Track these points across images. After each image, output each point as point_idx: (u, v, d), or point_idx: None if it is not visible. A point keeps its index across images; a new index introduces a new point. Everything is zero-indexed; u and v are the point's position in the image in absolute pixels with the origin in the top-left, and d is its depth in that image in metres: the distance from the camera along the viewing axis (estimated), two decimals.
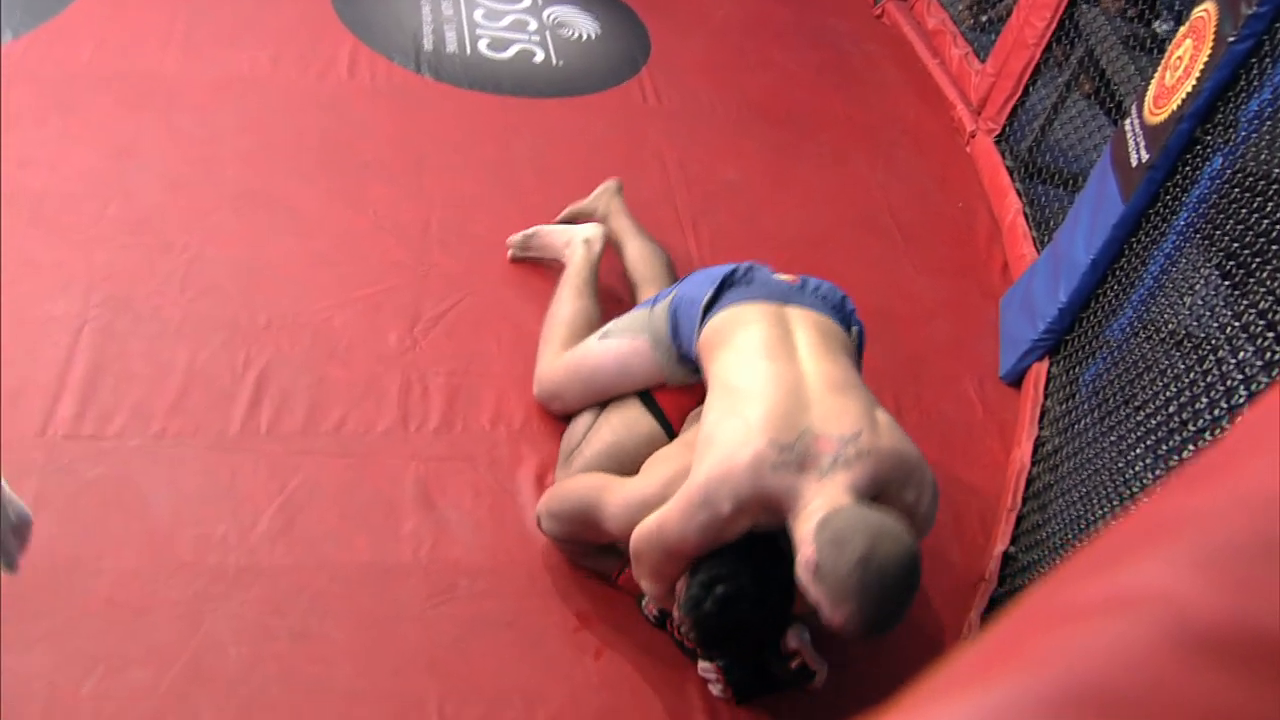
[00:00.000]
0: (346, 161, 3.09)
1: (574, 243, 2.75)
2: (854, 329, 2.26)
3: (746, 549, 1.83)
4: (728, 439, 1.83)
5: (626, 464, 2.18)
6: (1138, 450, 1.72)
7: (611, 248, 2.81)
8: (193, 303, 2.57)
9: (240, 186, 2.93)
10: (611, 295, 2.74)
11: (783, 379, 1.91)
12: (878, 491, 1.80)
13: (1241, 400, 1.27)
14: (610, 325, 2.42)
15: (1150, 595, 0.32)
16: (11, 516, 1.41)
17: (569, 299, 2.60)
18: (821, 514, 1.72)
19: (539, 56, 3.76)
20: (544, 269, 2.84)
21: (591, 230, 2.78)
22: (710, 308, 2.17)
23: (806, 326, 2.09)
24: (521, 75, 3.64)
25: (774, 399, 1.86)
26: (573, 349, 2.46)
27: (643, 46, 3.97)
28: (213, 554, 2.15)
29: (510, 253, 2.88)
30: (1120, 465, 1.77)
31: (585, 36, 3.93)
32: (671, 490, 1.89)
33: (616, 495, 2.03)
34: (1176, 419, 1.58)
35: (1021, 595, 1.85)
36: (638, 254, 2.78)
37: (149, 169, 2.91)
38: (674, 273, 2.76)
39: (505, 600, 2.18)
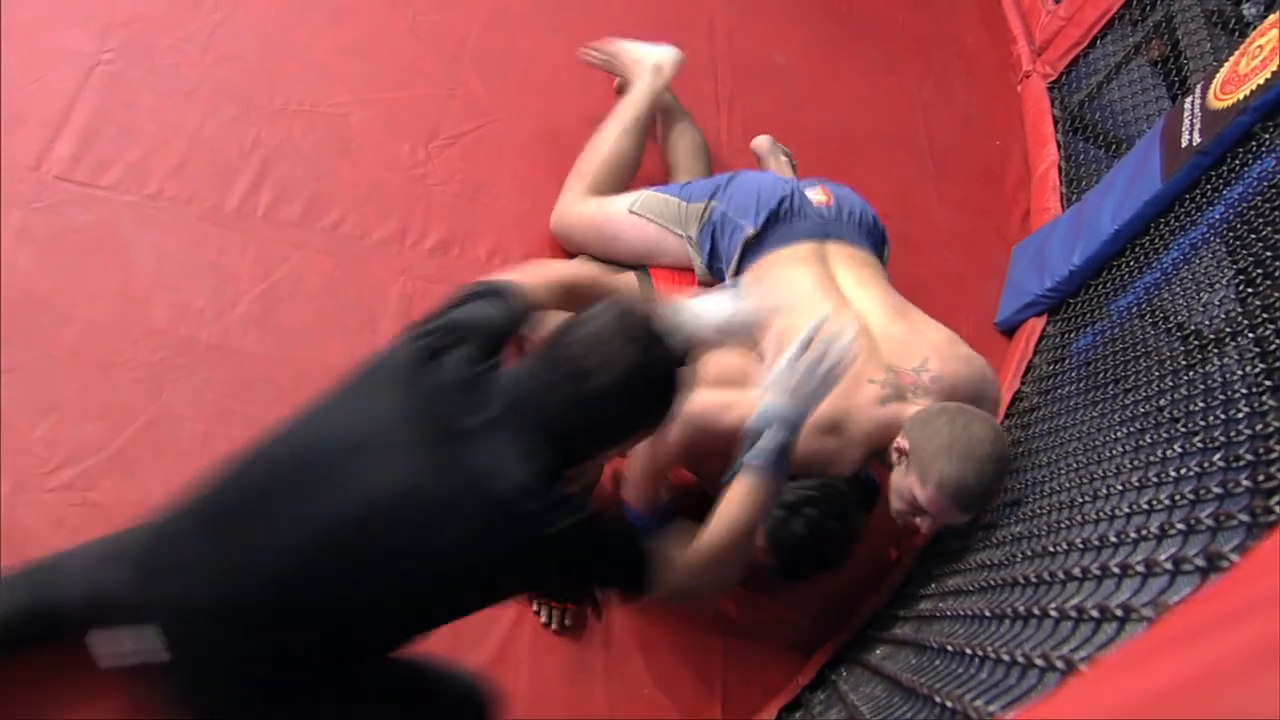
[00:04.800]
0: None
1: (643, 64, 2.64)
2: (885, 249, 2.30)
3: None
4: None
5: None
6: (1117, 432, 1.72)
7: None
8: (212, 67, 2.49)
9: None
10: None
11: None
12: None
13: (1240, 414, 1.26)
14: (641, 199, 2.38)
15: None
16: None
17: (614, 136, 2.52)
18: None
19: None
20: (576, 109, 2.75)
21: (665, 54, 2.66)
22: (753, 243, 2.21)
23: (846, 264, 2.17)
24: None
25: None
26: (601, 201, 2.42)
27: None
28: (185, 326, 2.14)
29: (587, 55, 2.74)
30: (1095, 443, 1.78)
31: None
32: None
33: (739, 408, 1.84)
34: (1166, 412, 1.58)
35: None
36: (679, 133, 2.70)
37: None
38: (709, 161, 2.70)
39: None
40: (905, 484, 1.87)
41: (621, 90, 2.67)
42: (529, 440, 1.34)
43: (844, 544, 2.00)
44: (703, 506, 1.70)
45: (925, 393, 1.94)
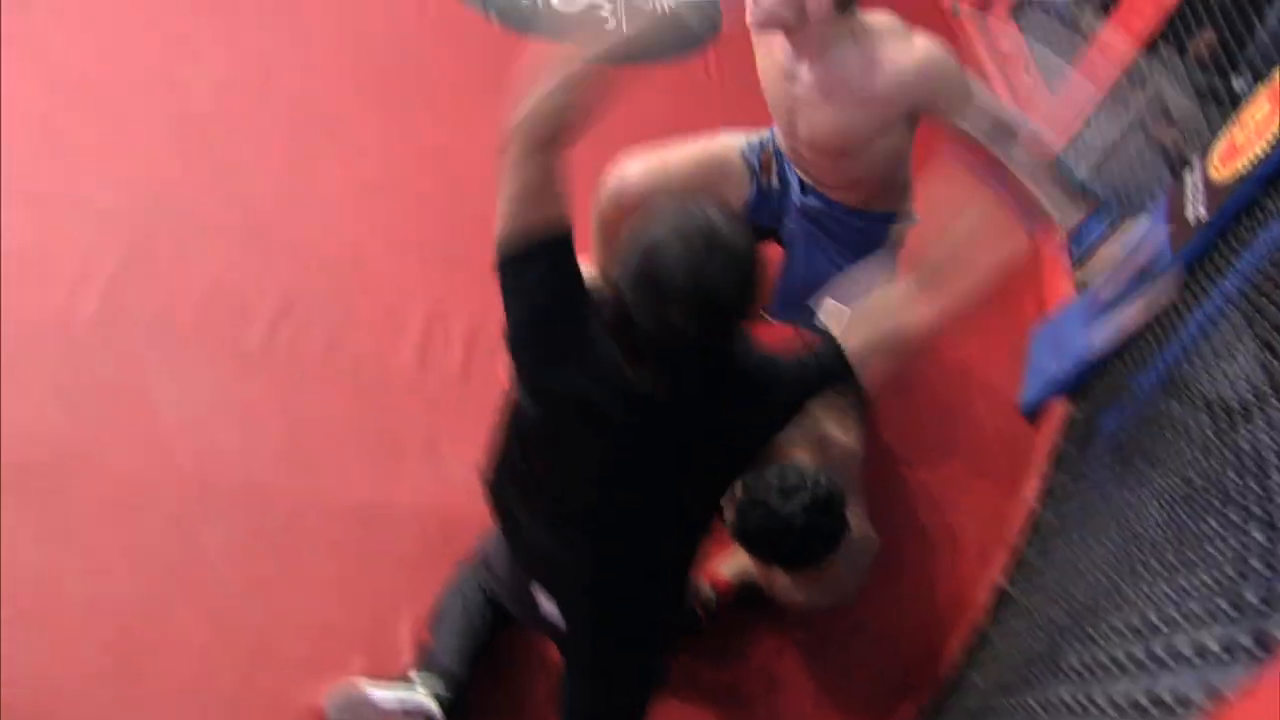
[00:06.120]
0: (400, 92, 3.06)
1: None
2: None
3: None
4: None
5: None
6: (1152, 511, 1.69)
7: None
8: (229, 212, 2.56)
9: (293, 99, 2.90)
10: None
11: None
12: None
13: (1274, 481, 1.25)
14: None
15: None
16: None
17: None
18: None
19: (609, 20, 3.71)
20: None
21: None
22: None
23: None
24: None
25: None
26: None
27: (714, 23, 3.91)
28: (213, 467, 2.16)
29: None
30: (1131, 523, 1.75)
31: (660, 6, 3.88)
32: None
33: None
34: (1199, 487, 1.55)
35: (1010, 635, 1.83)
36: None
37: (204, 71, 2.88)
38: None
39: None
40: None
41: None
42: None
43: (824, 541, 2.00)
44: None
45: None
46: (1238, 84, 3.11)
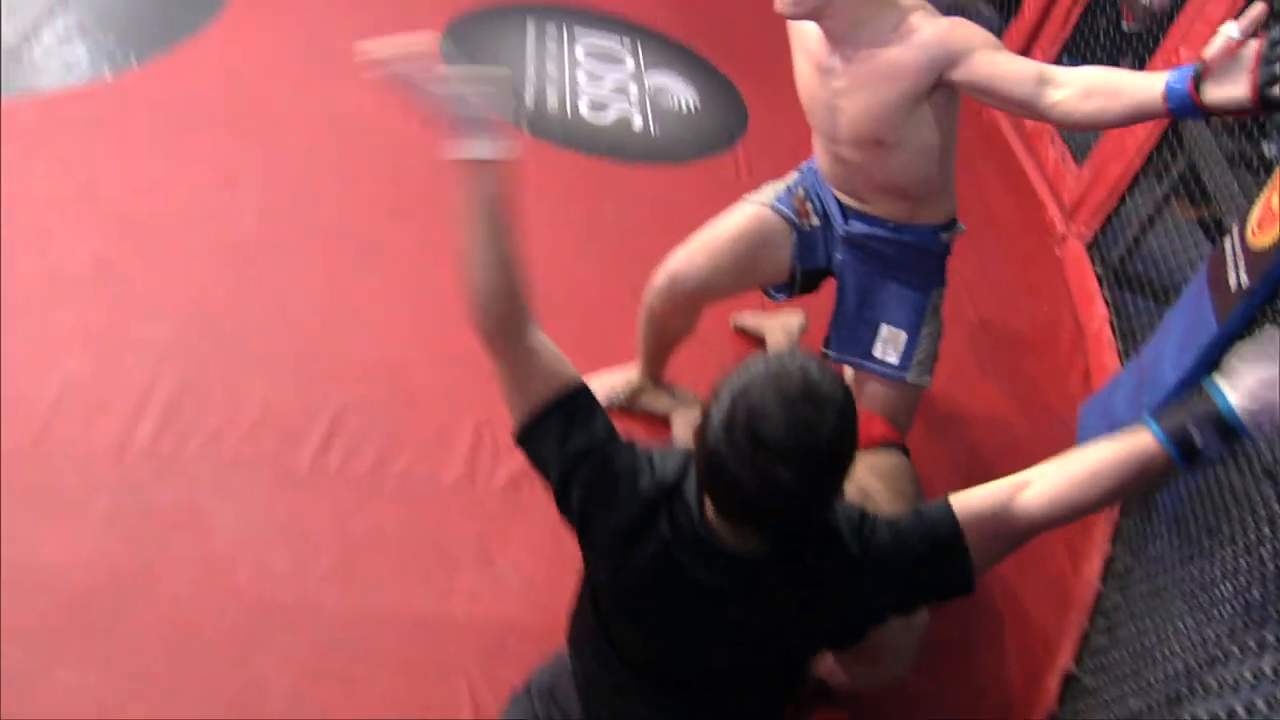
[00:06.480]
0: (438, 208, 3.09)
1: (775, 328, 3.03)
2: None
3: None
4: None
5: None
6: (1221, 589, 1.65)
7: None
8: (276, 336, 2.61)
9: (333, 223, 2.98)
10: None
11: None
12: None
13: None
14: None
15: None
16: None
17: None
18: None
19: (637, 123, 3.79)
20: (625, 339, 2.82)
21: (794, 320, 3.01)
22: None
23: None
24: (618, 140, 3.68)
25: None
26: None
27: (740, 119, 3.99)
28: (269, 588, 2.16)
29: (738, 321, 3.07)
30: (1200, 601, 1.71)
31: (684, 105, 3.97)
32: None
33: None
34: (1268, 561, 1.52)
35: None
36: None
37: (249, 199, 2.97)
38: None
39: None
40: None
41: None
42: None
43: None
44: None
45: None
46: (1269, 149, 3.11)
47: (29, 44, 3.19)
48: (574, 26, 4.23)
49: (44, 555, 2.09)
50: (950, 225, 2.37)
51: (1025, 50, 4.17)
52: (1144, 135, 3.40)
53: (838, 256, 2.40)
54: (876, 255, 2.36)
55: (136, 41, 3.36)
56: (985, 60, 1.96)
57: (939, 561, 1.38)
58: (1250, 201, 2.54)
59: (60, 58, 3.20)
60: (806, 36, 2.17)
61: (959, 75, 1.99)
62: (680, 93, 4.03)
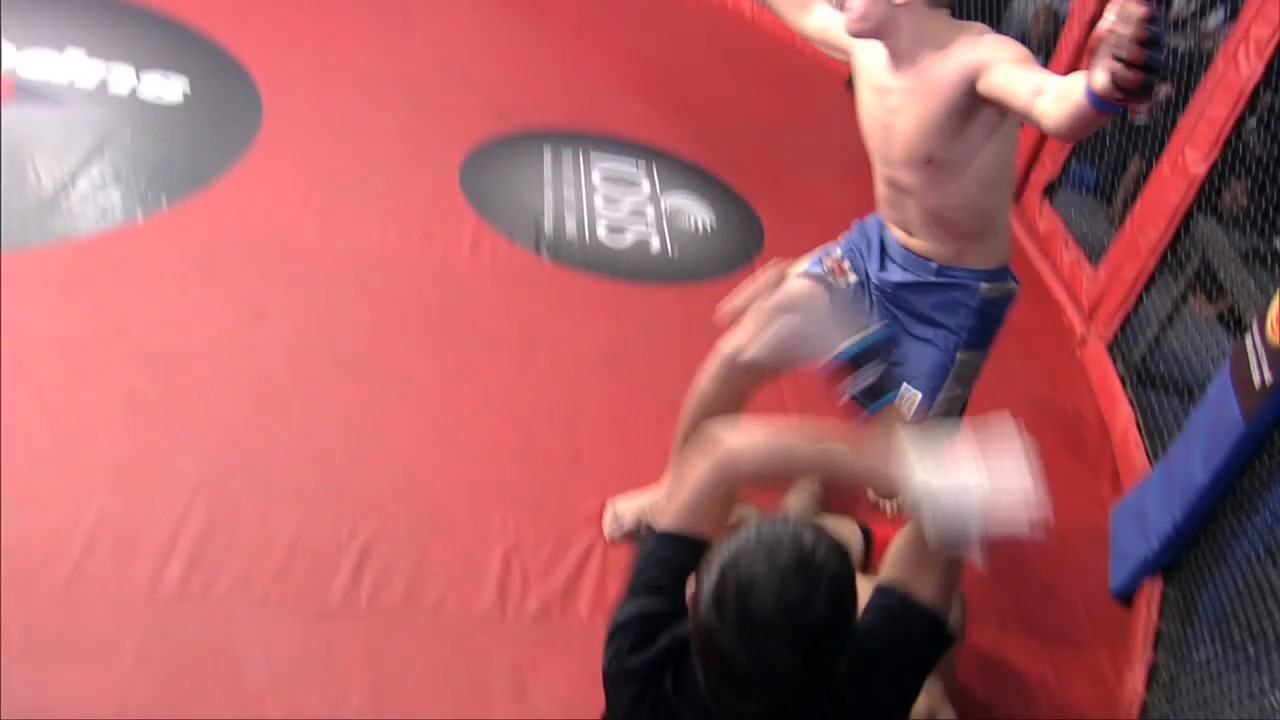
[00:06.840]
0: (462, 337, 3.18)
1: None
2: None
3: None
4: None
5: None
6: (1271, 699, 1.61)
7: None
8: (304, 468, 2.63)
9: (358, 355, 3.02)
10: None
11: None
12: None
13: None
14: None
15: None
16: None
17: None
18: None
19: (655, 245, 3.86)
20: (653, 460, 2.82)
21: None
22: None
23: None
24: (637, 262, 3.74)
25: None
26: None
27: (756, 237, 4.06)
28: None
29: None
30: (1251, 710, 1.67)
31: (701, 226, 4.04)
32: None
33: None
34: None
35: None
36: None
37: (275, 334, 3.03)
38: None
39: None
40: None
41: None
42: None
43: None
44: None
45: None
46: None
47: (65, 192, 3.29)
48: (590, 152, 4.34)
49: (76, 697, 2.08)
50: (998, 275, 2.33)
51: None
52: (1156, 235, 3.43)
53: (872, 311, 2.39)
54: (907, 309, 2.34)
55: (167, 184, 3.46)
56: (1001, 71, 1.99)
57: (907, 635, 1.40)
58: (1267, 297, 2.55)
59: (95, 204, 3.30)
60: (866, 61, 2.25)
61: (982, 86, 2.03)
62: (697, 213, 4.11)
